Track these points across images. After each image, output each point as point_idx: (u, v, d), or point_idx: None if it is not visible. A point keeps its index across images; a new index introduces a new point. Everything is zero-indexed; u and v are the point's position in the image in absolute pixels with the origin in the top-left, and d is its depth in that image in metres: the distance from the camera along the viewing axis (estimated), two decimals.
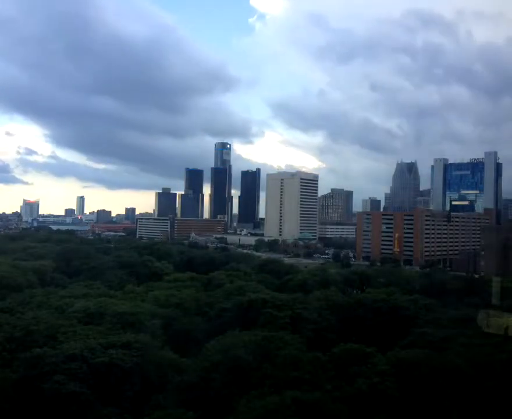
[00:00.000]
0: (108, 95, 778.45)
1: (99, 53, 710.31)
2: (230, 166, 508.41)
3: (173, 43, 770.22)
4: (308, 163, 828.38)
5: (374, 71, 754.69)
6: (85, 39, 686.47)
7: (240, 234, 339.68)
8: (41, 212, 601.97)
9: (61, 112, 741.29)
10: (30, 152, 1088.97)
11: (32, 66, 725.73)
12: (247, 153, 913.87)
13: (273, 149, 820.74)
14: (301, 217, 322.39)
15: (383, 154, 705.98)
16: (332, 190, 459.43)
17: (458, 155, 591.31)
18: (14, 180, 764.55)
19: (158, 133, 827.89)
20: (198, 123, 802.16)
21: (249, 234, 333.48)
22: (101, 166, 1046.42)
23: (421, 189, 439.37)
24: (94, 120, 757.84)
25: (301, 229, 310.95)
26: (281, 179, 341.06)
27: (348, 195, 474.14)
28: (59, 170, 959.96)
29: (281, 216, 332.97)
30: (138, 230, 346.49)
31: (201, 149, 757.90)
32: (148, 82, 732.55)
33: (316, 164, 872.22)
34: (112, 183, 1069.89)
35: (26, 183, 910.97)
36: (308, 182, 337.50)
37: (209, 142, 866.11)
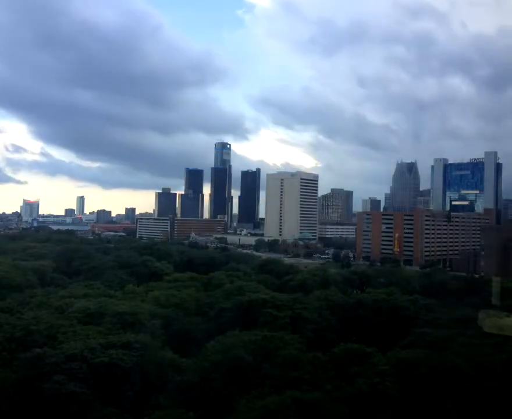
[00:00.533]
0: (91, 88, 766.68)
1: (79, 44, 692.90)
2: (230, 166, 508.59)
3: (159, 37, 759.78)
4: (303, 160, 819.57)
5: (368, 65, 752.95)
6: (62, 29, 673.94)
7: (240, 234, 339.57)
8: (40, 212, 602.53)
9: (43, 107, 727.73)
10: (18, 149, 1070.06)
11: (5, 56, 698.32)
12: (241, 151, 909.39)
13: (268, 147, 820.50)
14: (301, 217, 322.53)
15: (381, 152, 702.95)
16: (332, 190, 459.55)
17: (458, 151, 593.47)
18: (6, 179, 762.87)
19: (147, 129, 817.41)
20: (189, 120, 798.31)
21: (249, 234, 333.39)
22: (91, 164, 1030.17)
23: (421, 189, 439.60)
24: (79, 115, 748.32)
25: (301, 229, 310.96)
26: (281, 179, 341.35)
27: (348, 195, 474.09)
28: (50, 168, 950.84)
29: (281, 216, 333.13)
30: (138, 230, 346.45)
31: (194, 147, 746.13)
32: (134, 76, 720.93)
33: (311, 162, 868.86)
34: (105, 182, 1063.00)
35: (19, 182, 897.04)
36: (308, 182, 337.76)
37: (202, 140, 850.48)
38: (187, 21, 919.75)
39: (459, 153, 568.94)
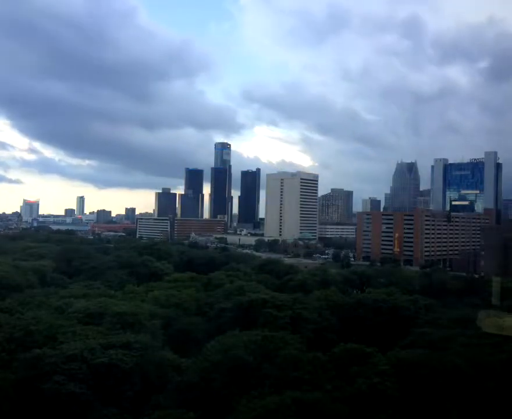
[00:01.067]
0: (69, 80, 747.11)
1: (53, 33, 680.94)
2: (230, 166, 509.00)
3: (142, 27, 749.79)
4: (298, 156, 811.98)
5: (362, 60, 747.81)
6: (29, 16, 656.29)
7: (240, 234, 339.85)
8: (40, 212, 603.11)
9: (23, 101, 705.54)
10: (4, 145, 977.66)
11: None
12: (234, 148, 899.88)
13: (260, 144, 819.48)
14: (301, 217, 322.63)
15: (378, 149, 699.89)
16: (332, 189, 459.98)
17: (457, 145, 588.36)
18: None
19: (134, 125, 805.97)
20: (177, 114, 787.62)
21: (249, 234, 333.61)
22: (81, 162, 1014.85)
23: (421, 189, 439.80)
24: (61, 110, 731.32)
25: (301, 229, 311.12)
26: (281, 179, 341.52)
27: (348, 195, 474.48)
28: (40, 166, 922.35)
29: (281, 216, 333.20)
30: (138, 230, 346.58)
31: (185, 144, 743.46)
32: (117, 67, 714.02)
33: (307, 158, 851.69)
34: (99, 181, 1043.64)
35: (11, 181, 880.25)
36: (308, 182, 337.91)
37: (193, 136, 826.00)
38: (171, 14, 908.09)
39: (458, 149, 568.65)
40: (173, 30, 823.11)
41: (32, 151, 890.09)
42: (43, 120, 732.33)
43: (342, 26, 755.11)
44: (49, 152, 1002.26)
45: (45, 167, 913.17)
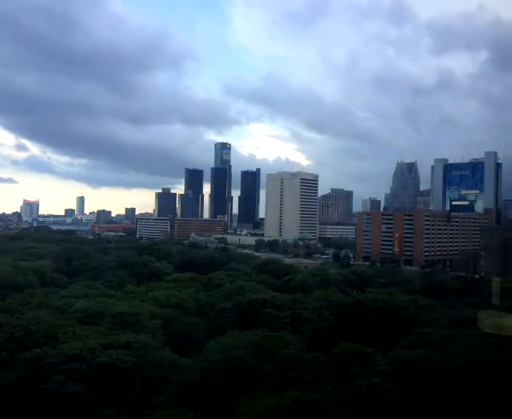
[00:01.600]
0: (43, 71, 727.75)
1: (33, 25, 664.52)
2: (230, 166, 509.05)
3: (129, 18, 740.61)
4: (292, 153, 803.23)
5: (356, 52, 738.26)
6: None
7: (240, 234, 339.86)
8: (40, 212, 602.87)
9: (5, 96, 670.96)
10: None
11: None
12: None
13: (256, 142, 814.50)
14: (301, 217, 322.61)
15: (375, 145, 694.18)
16: (332, 189, 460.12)
17: (457, 144, 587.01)
18: None
19: (119, 120, 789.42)
20: (166, 109, 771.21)
21: (249, 234, 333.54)
22: (71, 160, 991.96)
23: (421, 189, 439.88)
24: (40, 105, 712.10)
25: (301, 229, 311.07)
26: (281, 179, 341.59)
27: (348, 195, 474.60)
28: (31, 165, 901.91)
29: (281, 216, 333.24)
30: (138, 230, 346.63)
31: (176, 141, 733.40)
32: (96, 58, 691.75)
33: (301, 155, 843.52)
34: (91, 180, 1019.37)
35: (3, 180, 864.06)
36: (308, 182, 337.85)
37: (184, 133, 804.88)
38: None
39: (457, 141, 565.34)
40: (170, 26, 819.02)
41: (20, 148, 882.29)
42: (27, 116, 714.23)
43: (333, 17, 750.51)
44: (38, 150, 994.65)
45: (35, 165, 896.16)
